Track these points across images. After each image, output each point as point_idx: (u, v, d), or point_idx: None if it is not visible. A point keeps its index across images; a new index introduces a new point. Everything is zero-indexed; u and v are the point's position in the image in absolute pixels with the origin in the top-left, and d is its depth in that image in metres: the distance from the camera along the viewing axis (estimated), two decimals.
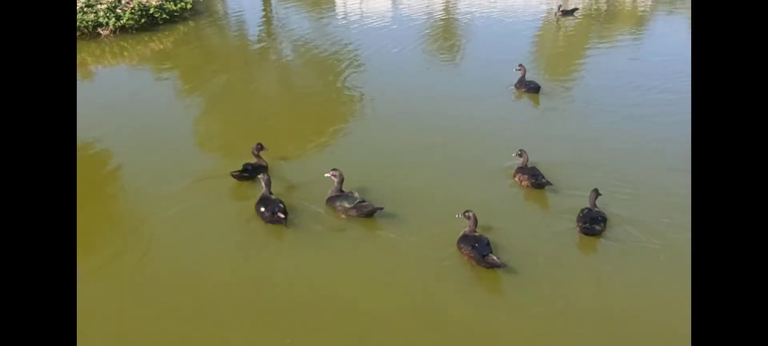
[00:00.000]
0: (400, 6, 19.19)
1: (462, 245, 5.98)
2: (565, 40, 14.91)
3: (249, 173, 7.45)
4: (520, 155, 7.51)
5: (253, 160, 7.67)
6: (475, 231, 6.06)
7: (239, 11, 17.23)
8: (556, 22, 15.97)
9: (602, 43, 14.36)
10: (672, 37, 15.35)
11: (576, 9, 16.53)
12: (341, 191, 6.89)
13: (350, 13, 17.78)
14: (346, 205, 6.67)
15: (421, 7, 18.41)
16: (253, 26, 15.91)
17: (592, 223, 6.29)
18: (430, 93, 10.85)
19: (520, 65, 10.72)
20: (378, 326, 5.21)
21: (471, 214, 6.08)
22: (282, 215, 6.48)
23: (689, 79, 11.57)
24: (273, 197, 6.76)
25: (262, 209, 6.59)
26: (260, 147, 7.73)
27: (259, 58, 13.44)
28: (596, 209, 6.50)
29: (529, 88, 10.40)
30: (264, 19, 16.90)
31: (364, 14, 17.40)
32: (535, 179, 7.17)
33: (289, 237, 6.44)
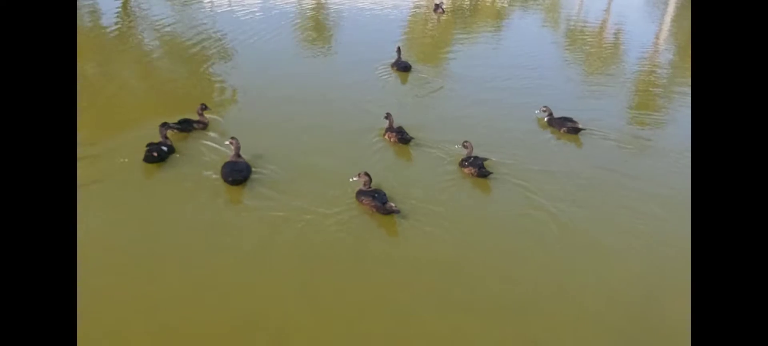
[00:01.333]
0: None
1: (362, 198, 6.69)
2: (435, 30, 15.56)
3: (182, 127, 8.11)
4: (387, 117, 8.52)
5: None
6: (370, 187, 6.79)
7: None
8: (437, 19, 16.46)
9: (466, 34, 15.20)
10: (527, 29, 16.67)
11: (441, 5, 17.16)
12: (239, 156, 7.32)
13: (217, 1, 17.12)
14: (225, 172, 7.07)
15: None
16: (110, 15, 14.73)
17: (483, 167, 7.49)
18: (305, 76, 10.90)
19: (398, 47, 11.88)
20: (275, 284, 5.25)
21: (364, 173, 6.83)
22: (155, 154, 7.17)
23: (539, 60, 12.87)
24: (169, 142, 7.53)
25: (148, 146, 7.30)
26: (204, 107, 8.43)
27: (116, 48, 12.48)
28: (479, 157, 7.67)
29: (401, 67, 11.52)
30: (122, 6, 15.75)
31: (232, 2, 16.85)
32: (401, 136, 8.28)
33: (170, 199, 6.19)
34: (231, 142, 7.34)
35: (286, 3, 17.09)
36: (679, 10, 22.78)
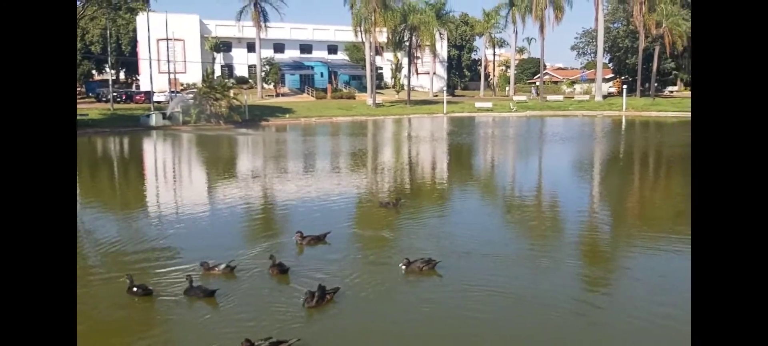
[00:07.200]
0: (217, 198, 19.12)
1: None
2: (382, 217, 15.70)
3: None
4: (271, 258, 10.59)
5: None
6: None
7: None
8: (396, 211, 16.04)
9: (410, 218, 15.57)
10: (469, 206, 17.42)
11: (399, 199, 16.64)
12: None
13: (164, 211, 17.13)
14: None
15: (238, 197, 18.53)
16: None
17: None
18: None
19: (298, 231, 12.57)
20: None
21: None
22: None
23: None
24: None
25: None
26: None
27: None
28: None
29: (313, 238, 12.54)
30: None
31: (180, 211, 16.89)
32: (281, 268, 10.38)
33: None
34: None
35: (234, 204, 17.30)
36: (604, 171, 24.72)
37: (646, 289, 9.69)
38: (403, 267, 10.45)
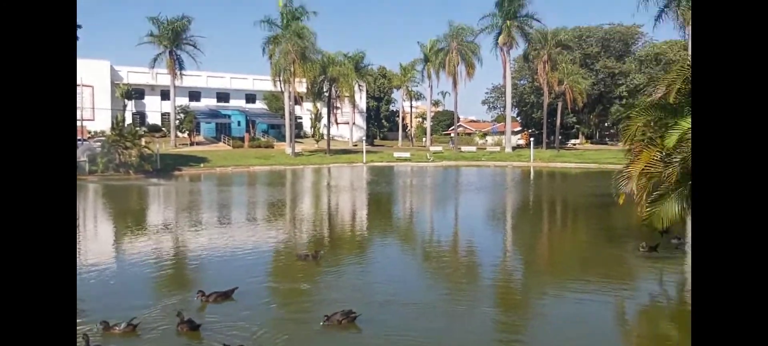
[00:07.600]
0: (123, 252, 18.01)
1: None
2: (300, 269, 15.42)
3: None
4: (178, 315, 10.12)
5: None
6: None
7: None
8: (314, 261, 15.60)
9: (328, 270, 15.40)
10: (390, 256, 17.49)
11: (318, 251, 16.08)
12: None
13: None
14: None
15: (146, 251, 17.53)
16: None
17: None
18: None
19: (199, 290, 11.88)
20: None
21: None
22: None
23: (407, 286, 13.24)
24: None
25: None
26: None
27: None
28: None
29: (219, 295, 11.84)
30: None
31: (82, 266, 15.70)
32: (191, 324, 10.00)
33: None
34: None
35: (144, 258, 16.34)
36: (516, 220, 25.76)
37: (556, 332, 10.08)
38: (323, 323, 10.24)
